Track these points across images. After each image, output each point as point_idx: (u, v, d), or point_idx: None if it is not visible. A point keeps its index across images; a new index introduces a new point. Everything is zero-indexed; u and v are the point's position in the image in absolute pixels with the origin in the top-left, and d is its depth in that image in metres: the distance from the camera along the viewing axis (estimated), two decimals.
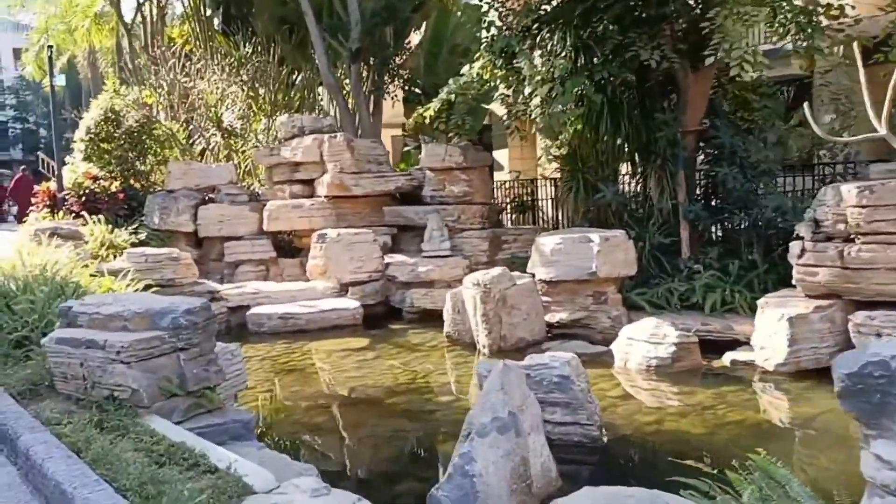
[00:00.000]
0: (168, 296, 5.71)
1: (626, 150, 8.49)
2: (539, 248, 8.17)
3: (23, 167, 27.55)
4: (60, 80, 15.33)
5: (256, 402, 6.14)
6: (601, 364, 7.06)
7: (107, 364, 4.25)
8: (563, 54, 7.86)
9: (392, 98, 14.77)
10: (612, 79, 8.15)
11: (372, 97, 14.31)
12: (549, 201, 13.33)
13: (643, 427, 5.48)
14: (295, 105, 15.06)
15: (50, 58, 14.20)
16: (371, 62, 14.23)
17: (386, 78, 14.31)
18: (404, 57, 14.50)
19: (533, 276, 8.18)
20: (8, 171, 35.98)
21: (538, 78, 7.91)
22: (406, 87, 14.64)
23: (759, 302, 6.84)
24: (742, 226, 8.15)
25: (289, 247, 12.49)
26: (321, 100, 16.50)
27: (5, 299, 5.83)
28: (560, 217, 12.94)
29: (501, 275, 7.70)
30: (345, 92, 14.12)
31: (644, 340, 6.71)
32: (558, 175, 10.41)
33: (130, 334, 4.36)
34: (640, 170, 8.46)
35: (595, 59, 8.17)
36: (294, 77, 16.10)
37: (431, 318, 9.62)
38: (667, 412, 5.77)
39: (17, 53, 38.16)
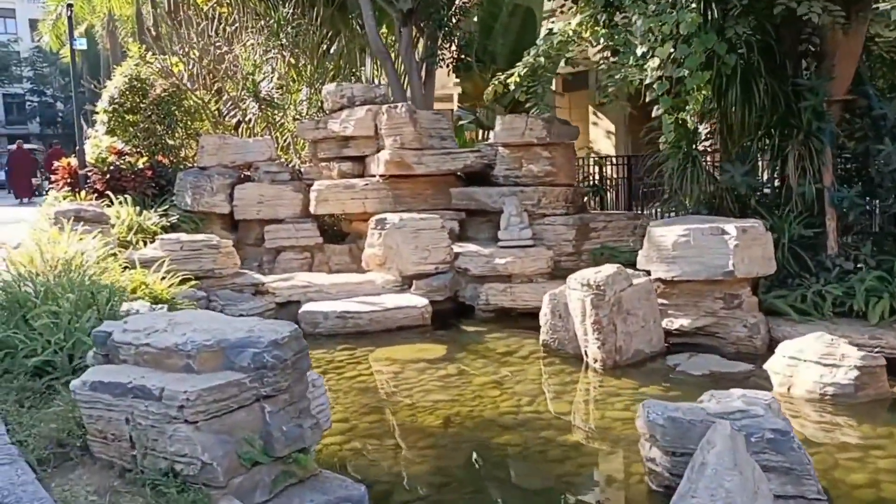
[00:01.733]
0: (235, 315, 4.40)
1: (761, 122, 7.05)
2: (654, 240, 6.79)
3: (18, 140, 26.45)
4: (81, 44, 13.91)
5: (339, 449, 4.84)
6: (751, 388, 5.71)
7: (164, 423, 2.95)
8: (690, 6, 6.41)
9: (447, 66, 13.31)
10: (746, 37, 6.69)
11: (424, 65, 12.89)
12: (623, 182, 11.96)
13: (856, 491, 4.14)
14: (330, 74, 13.66)
15: (70, 18, 12.84)
16: (423, 25, 12.79)
17: (440, 42, 12.85)
18: (458, 18, 13.00)
19: (647, 273, 6.82)
20: (38, 146, 34.93)
21: (658, 36, 6.48)
22: (462, 54, 13.16)
23: None
24: None
25: (333, 231, 11.21)
26: (363, 68, 15.10)
27: (21, 309, 4.55)
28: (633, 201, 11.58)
29: (616, 273, 6.34)
30: (393, 58, 12.72)
31: (814, 361, 5.34)
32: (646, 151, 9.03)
33: (196, 378, 3.05)
34: (773, 147, 7.02)
35: (727, 13, 6.72)
36: (333, 42, 14.68)
37: (509, 319, 8.32)
38: (878, 466, 4.42)
39: (33, 24, 36.83)
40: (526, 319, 8.22)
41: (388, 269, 8.84)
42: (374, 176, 10.00)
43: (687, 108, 6.99)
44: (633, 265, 8.40)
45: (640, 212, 10.19)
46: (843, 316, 6.43)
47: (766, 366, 5.75)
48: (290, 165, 11.73)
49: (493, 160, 9.50)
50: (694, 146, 7.44)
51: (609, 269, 6.41)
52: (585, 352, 6.45)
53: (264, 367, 3.12)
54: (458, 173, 9.85)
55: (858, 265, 6.65)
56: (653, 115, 7.34)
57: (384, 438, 5.10)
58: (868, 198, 7.07)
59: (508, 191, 9.01)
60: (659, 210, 9.21)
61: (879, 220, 7.06)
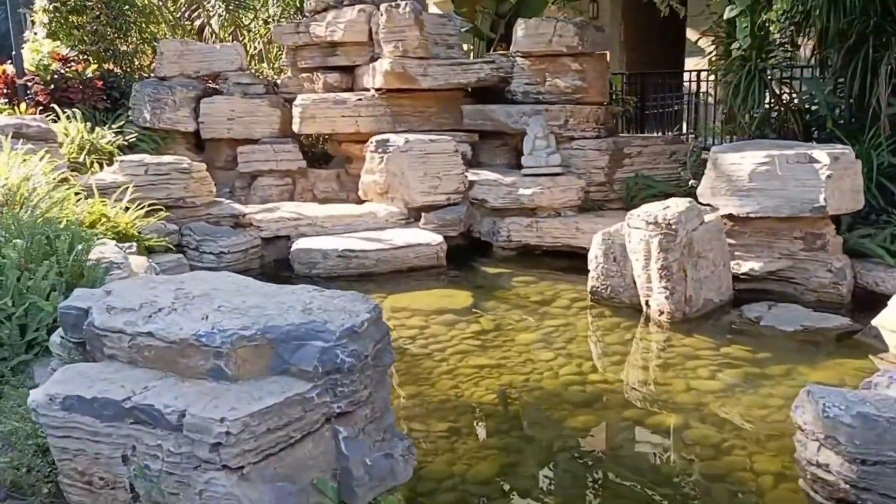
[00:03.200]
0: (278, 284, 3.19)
1: (850, 29, 5.93)
2: (723, 169, 5.73)
3: None
4: None
5: None
6: (857, 350, 4.80)
7: (189, 468, 1.81)
8: None
9: None
10: None
11: None
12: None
13: None
14: None
15: None
16: None
17: None
18: None
19: (711, 208, 5.78)
20: None
21: None
22: None
23: None
24: None
25: (314, 153, 9.90)
26: None
27: None
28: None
29: (689, 209, 5.28)
30: None
31: None
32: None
33: (235, 391, 1.91)
34: (862, 60, 5.93)
35: None
36: None
37: (532, 258, 7.27)
38: None
39: None
40: (553, 259, 7.19)
41: (392, 199, 7.65)
42: (367, 90, 8.66)
43: (773, 7, 5.82)
44: (668, 196, 7.43)
45: (678, 134, 9.08)
46: None
47: (876, 321, 4.81)
48: (263, 77, 10.28)
49: (510, 73, 8.23)
50: (762, 57, 6.29)
51: (679, 203, 5.34)
52: (647, 302, 5.44)
53: (338, 371, 1.99)
54: (467, 89, 8.57)
55: None
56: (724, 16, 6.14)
57: (429, 423, 4.02)
58: None
59: (531, 109, 7.79)
60: (703, 133, 8.10)
61: None
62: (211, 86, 9.60)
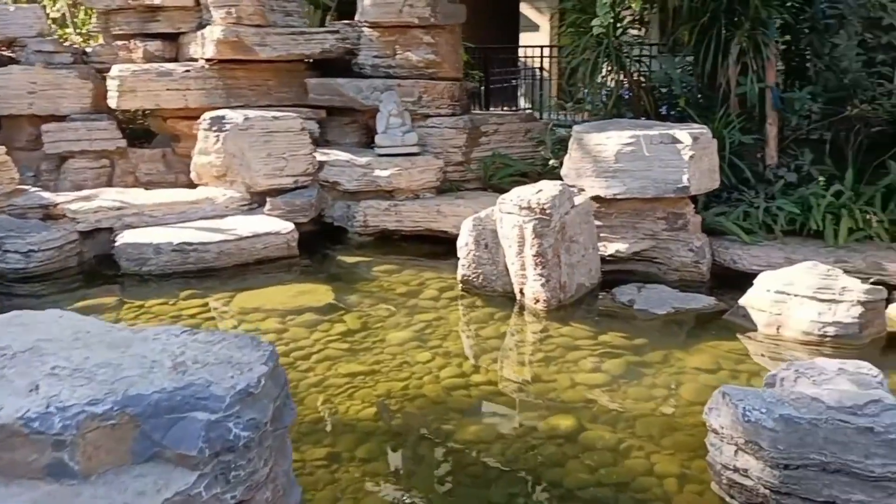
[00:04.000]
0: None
1: (703, 7, 5.94)
2: (588, 150, 5.59)
3: None
4: None
5: None
6: (726, 330, 4.82)
7: None
8: None
9: None
10: None
11: None
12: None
13: None
14: None
15: None
16: None
17: None
18: None
19: (578, 190, 5.63)
20: None
21: None
22: None
23: None
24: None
25: (133, 131, 8.82)
26: None
27: None
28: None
29: (561, 193, 5.07)
30: None
31: (809, 296, 4.51)
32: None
33: (84, 493, 1.33)
34: (714, 39, 5.97)
35: None
36: None
37: (391, 244, 6.85)
38: None
39: None
40: (414, 244, 6.82)
41: (231, 182, 6.90)
42: (195, 60, 7.77)
43: None
44: (525, 175, 7.29)
45: (532, 111, 8.93)
46: (792, 235, 5.74)
47: (743, 301, 4.86)
48: (70, 44, 8.98)
49: (357, 44, 7.68)
50: (614, 35, 6.20)
51: (551, 186, 5.12)
52: (521, 290, 5.20)
53: (231, 451, 1.47)
54: (309, 61, 7.91)
55: (802, 178, 5.94)
56: None
57: (304, 449, 3.48)
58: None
59: (383, 84, 7.30)
60: (549, 110, 7.98)
61: (810, 125, 6.37)
62: (5, 54, 8.26)
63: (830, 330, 4.44)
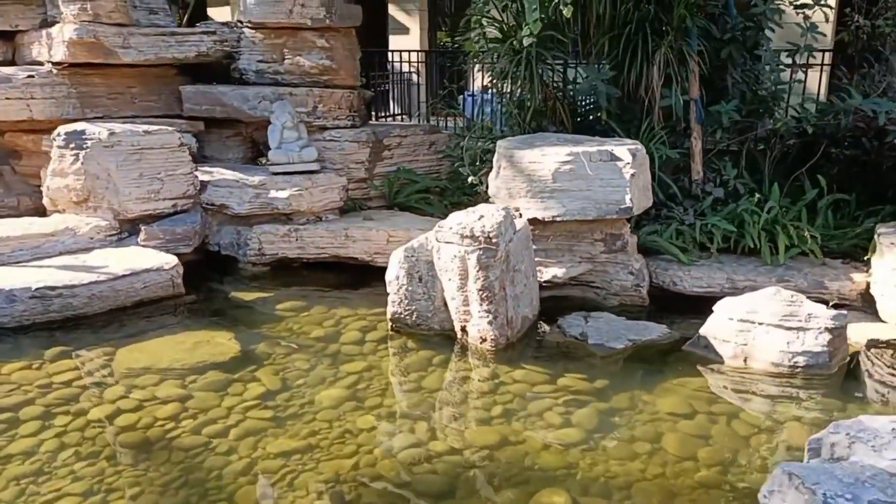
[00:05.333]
0: None
1: (630, 15, 5.58)
2: (521, 168, 5.08)
3: None
4: None
5: None
6: (689, 364, 4.45)
7: None
8: None
9: None
10: None
11: None
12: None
13: None
14: None
15: None
16: None
17: None
18: None
19: (515, 213, 5.10)
20: None
21: None
22: None
23: (880, 238, 4.85)
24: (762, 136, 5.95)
25: None
26: None
27: None
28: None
29: (505, 219, 4.51)
30: None
31: (775, 324, 4.22)
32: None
33: None
34: (641, 48, 5.63)
35: None
36: None
37: (290, 272, 6.06)
38: None
39: None
40: (317, 273, 6.06)
41: (95, 209, 5.81)
42: (40, 64, 6.55)
43: None
44: (428, 191, 6.73)
45: (434, 124, 8.31)
46: (725, 252, 5.51)
47: (704, 331, 4.52)
48: None
49: (237, 47, 6.75)
50: (531, 43, 5.72)
51: (493, 212, 4.54)
52: (463, 328, 4.60)
53: None
54: (184, 64, 6.87)
55: (729, 193, 5.75)
56: None
57: None
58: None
59: (272, 93, 6.43)
60: (480, 124, 7.41)
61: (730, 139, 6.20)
62: None
63: (800, 360, 4.18)
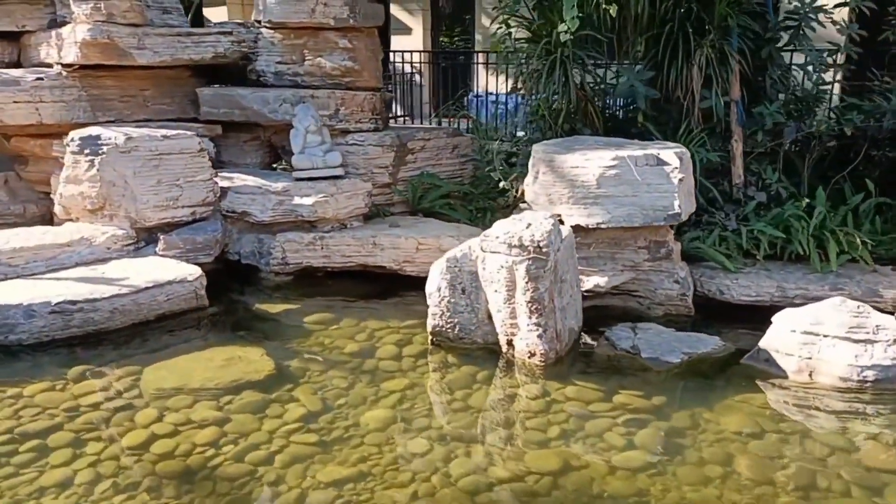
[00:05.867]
0: None
1: (669, 14, 5.38)
2: (563, 173, 4.86)
3: None
4: None
5: None
6: (750, 380, 4.23)
7: None
8: None
9: None
10: None
11: None
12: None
13: None
14: None
15: None
16: None
17: None
18: None
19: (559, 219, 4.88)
20: None
21: None
22: None
23: None
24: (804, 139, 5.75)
25: None
26: None
27: None
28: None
29: (554, 227, 4.29)
30: None
31: (842, 337, 4.02)
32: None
33: None
34: (683, 48, 5.41)
35: None
36: None
37: (316, 283, 5.84)
38: None
39: None
40: (343, 282, 5.82)
41: (111, 217, 5.55)
42: (48, 66, 6.28)
43: None
44: (450, 196, 6.49)
45: (456, 126, 8.07)
46: (771, 259, 5.31)
47: (764, 343, 4.31)
48: None
49: (255, 48, 6.50)
50: (566, 43, 5.51)
51: (540, 219, 4.31)
52: (509, 342, 4.37)
53: None
54: (191, 67, 6.61)
55: (771, 198, 5.54)
56: None
57: None
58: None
59: (293, 95, 6.18)
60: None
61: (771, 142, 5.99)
62: None
63: (870, 374, 3.97)
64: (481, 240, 4.28)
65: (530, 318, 4.19)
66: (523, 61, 5.89)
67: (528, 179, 5.13)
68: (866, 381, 3.97)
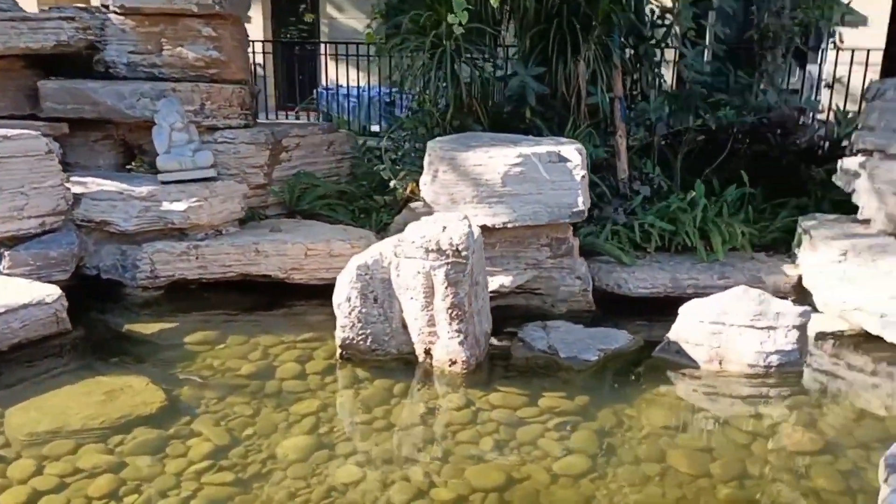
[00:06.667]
0: None
1: (558, 9, 5.32)
2: (463, 170, 4.68)
3: None
4: None
5: None
6: (662, 372, 4.28)
7: None
8: None
9: None
10: None
11: None
12: None
13: None
14: None
15: None
16: None
17: None
18: None
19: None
20: None
21: None
22: None
23: (810, 231, 4.99)
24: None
25: None
26: None
27: None
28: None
29: (470, 230, 4.09)
30: None
31: (747, 325, 4.14)
32: None
33: None
34: (570, 43, 5.38)
35: None
36: None
37: (188, 296, 5.27)
38: None
39: None
40: (218, 294, 5.31)
41: None
42: None
43: None
44: (328, 197, 6.18)
45: (329, 122, 7.61)
46: (660, 252, 5.44)
47: (673, 335, 4.36)
48: None
49: (102, 36, 5.76)
50: (456, 37, 5.34)
51: (455, 222, 4.10)
52: (428, 351, 4.13)
53: None
54: (24, 57, 5.75)
55: (655, 192, 5.69)
56: None
57: None
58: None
59: (152, 88, 5.53)
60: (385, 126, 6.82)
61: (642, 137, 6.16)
62: None
63: (774, 359, 4.13)
64: (395, 245, 4.01)
65: (451, 324, 3.99)
66: (410, 54, 5.65)
67: (426, 178, 4.90)
68: (771, 366, 4.13)
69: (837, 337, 4.66)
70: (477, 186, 4.66)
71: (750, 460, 3.45)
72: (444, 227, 3.99)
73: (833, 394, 4.18)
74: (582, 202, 4.70)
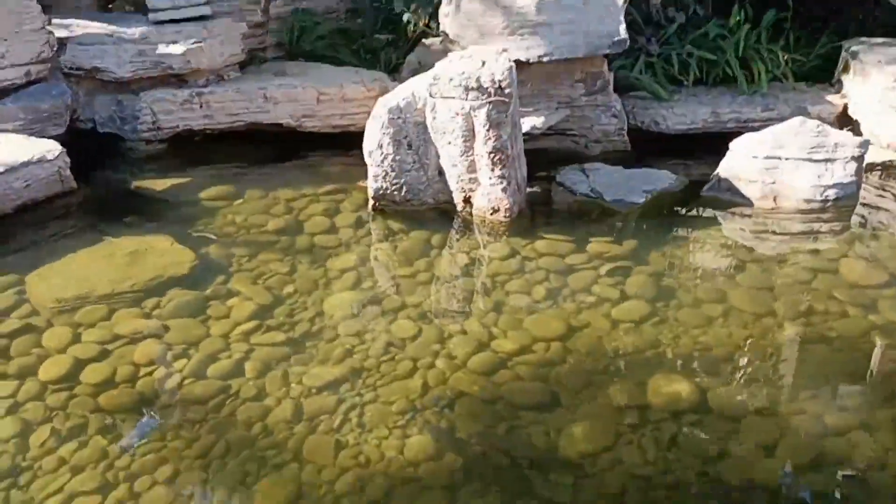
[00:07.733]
0: None
1: None
2: (499, 1, 4.23)
3: None
4: None
5: None
6: (714, 209, 4.07)
7: None
8: None
9: None
10: None
11: None
12: None
13: None
14: None
15: None
16: None
17: None
18: None
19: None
20: None
21: None
22: None
23: (859, 57, 4.66)
24: None
25: None
26: None
27: None
28: None
29: (507, 61, 3.70)
30: None
31: (804, 158, 3.90)
32: None
33: None
34: None
35: None
36: None
37: (193, 149, 4.89)
38: None
39: None
40: (226, 146, 4.92)
41: None
42: None
43: None
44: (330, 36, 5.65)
45: None
46: (697, 84, 5.08)
47: (724, 171, 4.12)
48: None
49: None
50: None
51: (494, 56, 3.71)
52: (467, 199, 3.87)
53: None
54: None
55: (689, 19, 5.24)
56: None
57: None
58: None
59: None
60: None
61: None
62: None
63: (831, 193, 3.93)
64: (430, 84, 3.63)
65: (493, 170, 3.71)
66: None
67: (446, 9, 4.44)
68: (828, 201, 3.93)
69: (886, 168, 4.45)
70: (508, 16, 4.22)
71: (815, 297, 3.34)
72: (483, 63, 3.62)
73: (889, 226, 4.03)
74: (623, 30, 4.29)
